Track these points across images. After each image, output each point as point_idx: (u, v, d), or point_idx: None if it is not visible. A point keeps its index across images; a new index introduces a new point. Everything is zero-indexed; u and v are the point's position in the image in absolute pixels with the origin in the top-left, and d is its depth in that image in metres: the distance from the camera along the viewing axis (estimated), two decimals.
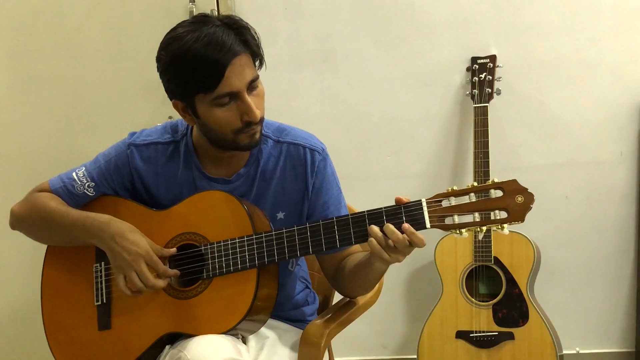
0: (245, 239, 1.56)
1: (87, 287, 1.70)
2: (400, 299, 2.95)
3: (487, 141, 2.59)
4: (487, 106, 2.64)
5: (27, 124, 2.78)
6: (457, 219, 1.45)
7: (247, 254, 1.55)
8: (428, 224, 1.46)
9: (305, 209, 1.69)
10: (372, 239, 1.48)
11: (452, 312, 2.63)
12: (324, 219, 1.54)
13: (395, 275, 2.84)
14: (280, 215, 1.69)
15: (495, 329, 2.58)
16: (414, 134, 2.84)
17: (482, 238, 2.57)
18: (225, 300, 1.56)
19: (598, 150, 2.77)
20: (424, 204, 1.47)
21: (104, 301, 1.68)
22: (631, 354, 2.86)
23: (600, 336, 2.87)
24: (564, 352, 2.70)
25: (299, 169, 1.68)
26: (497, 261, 2.58)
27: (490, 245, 2.58)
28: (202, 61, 1.48)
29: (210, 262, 1.58)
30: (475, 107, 2.65)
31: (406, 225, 1.45)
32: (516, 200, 1.44)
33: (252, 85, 1.54)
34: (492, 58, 2.69)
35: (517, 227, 1.47)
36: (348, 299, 1.80)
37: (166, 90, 1.60)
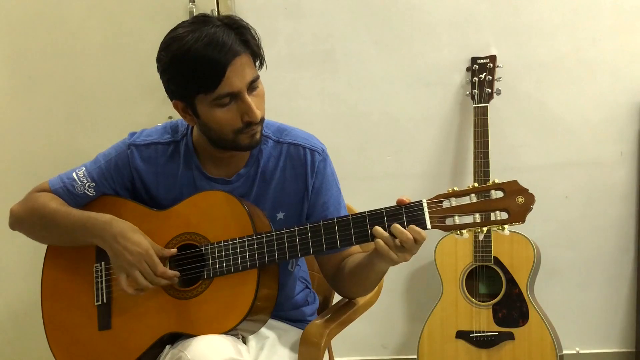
0: (246, 239, 1.56)
1: (87, 287, 1.70)
2: (400, 299, 2.95)
3: (487, 141, 2.59)
4: (487, 106, 2.64)
5: (27, 124, 2.78)
6: (457, 219, 1.46)
7: (247, 254, 1.55)
8: (429, 225, 1.47)
9: (305, 209, 1.69)
10: (378, 240, 1.48)
11: (452, 312, 2.63)
12: (325, 219, 1.54)
13: (395, 275, 2.84)
14: (280, 215, 1.69)
15: (495, 329, 2.58)
16: (414, 134, 2.84)
17: (482, 238, 2.57)
18: (225, 301, 1.56)
19: (598, 150, 2.77)
20: (425, 204, 1.47)
21: (104, 301, 1.68)
22: (631, 354, 2.86)
23: (600, 336, 2.87)
24: (564, 352, 2.70)
25: (299, 170, 1.68)
26: (497, 261, 2.58)
27: (490, 245, 2.58)
28: (203, 61, 1.48)
29: (210, 262, 1.58)
30: (475, 107, 2.65)
31: (412, 227, 1.46)
32: (517, 201, 1.44)
33: (252, 86, 1.54)
34: (492, 58, 2.69)
35: (517, 227, 1.47)
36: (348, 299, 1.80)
37: (166, 91, 1.60)
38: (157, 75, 1.59)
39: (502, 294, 2.58)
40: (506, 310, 2.57)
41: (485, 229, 1.46)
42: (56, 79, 2.75)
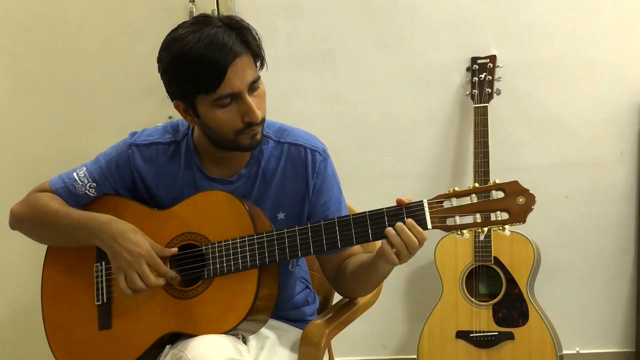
0: (247, 239, 1.56)
1: (88, 287, 1.70)
2: (400, 299, 2.95)
3: (487, 141, 2.59)
4: (487, 106, 2.64)
5: (27, 124, 2.78)
6: (458, 219, 1.46)
7: (248, 254, 1.55)
8: (429, 225, 1.47)
9: (306, 210, 1.69)
10: (384, 241, 1.48)
11: (452, 312, 2.63)
12: (325, 219, 1.54)
13: (395, 275, 2.79)
14: (281, 215, 1.69)
15: (495, 329, 2.58)
16: (414, 134, 2.84)
17: (483, 238, 2.57)
18: (226, 300, 1.56)
19: (598, 150, 2.77)
20: (426, 204, 1.47)
21: (105, 301, 1.68)
22: (631, 354, 2.86)
23: (600, 336, 2.87)
24: (564, 352, 2.70)
25: (300, 170, 1.68)
26: (497, 261, 2.58)
27: (491, 245, 2.58)
28: (203, 62, 1.48)
29: (211, 262, 1.58)
30: (475, 107, 2.65)
31: (413, 224, 1.46)
32: (517, 202, 1.44)
33: (253, 86, 1.54)
34: (492, 58, 2.69)
35: (517, 227, 1.47)
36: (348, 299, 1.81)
37: (167, 91, 1.60)
38: (157, 75, 1.59)
39: (502, 294, 2.58)
40: (506, 310, 2.57)
41: (485, 229, 1.46)
42: (56, 79, 2.75)
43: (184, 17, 2.55)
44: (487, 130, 2.61)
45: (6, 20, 2.73)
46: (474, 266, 2.61)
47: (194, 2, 2.65)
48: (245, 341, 1.63)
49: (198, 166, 1.68)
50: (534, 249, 2.57)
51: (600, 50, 2.72)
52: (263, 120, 1.59)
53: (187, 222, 1.62)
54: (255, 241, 1.55)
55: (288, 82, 2.84)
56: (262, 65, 1.58)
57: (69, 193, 1.70)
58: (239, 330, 1.56)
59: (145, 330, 1.62)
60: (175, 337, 1.60)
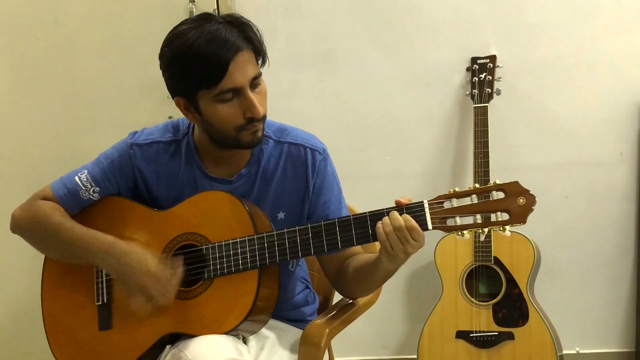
0: (247, 239, 1.56)
1: (88, 287, 1.70)
2: (400, 299, 2.95)
3: (487, 141, 2.59)
4: (487, 106, 2.64)
5: (27, 124, 2.77)
6: (458, 220, 1.46)
7: (248, 254, 1.55)
8: (430, 226, 1.47)
9: (306, 209, 1.69)
10: (379, 226, 1.48)
11: (452, 312, 2.63)
12: (326, 220, 1.54)
13: (395, 275, 2.81)
14: (281, 215, 1.69)
15: (495, 329, 2.58)
16: (414, 134, 2.84)
17: (483, 239, 2.57)
18: (226, 301, 1.56)
19: (598, 150, 2.77)
20: (426, 205, 1.47)
21: (105, 301, 1.68)
22: (631, 354, 2.86)
23: (600, 336, 2.87)
24: (564, 352, 2.70)
25: (300, 169, 1.68)
26: (497, 261, 2.58)
27: (490, 245, 2.58)
28: (205, 57, 1.48)
29: (211, 262, 1.58)
30: (475, 107, 2.65)
31: (407, 217, 1.46)
32: (518, 202, 1.44)
33: (254, 82, 1.55)
34: (492, 58, 2.69)
35: (517, 227, 1.47)
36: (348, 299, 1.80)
37: (168, 88, 1.60)
38: (157, 74, 1.59)
39: (502, 294, 2.58)
40: (506, 310, 2.57)
41: (486, 230, 1.46)
42: (56, 79, 2.74)
43: (183, 17, 2.50)
44: (487, 130, 2.61)
45: (6, 20, 2.72)
46: (474, 266, 2.61)
47: (194, 2, 2.65)
48: (245, 341, 1.63)
49: (198, 165, 1.68)
50: (534, 249, 2.57)
51: (600, 50, 2.72)
52: (264, 117, 1.59)
53: (187, 223, 1.62)
54: (256, 241, 1.55)
55: (288, 81, 2.84)
56: (263, 62, 1.59)
57: (72, 199, 1.69)
58: (239, 331, 1.56)
59: (145, 330, 1.62)
60: (176, 338, 1.59)
